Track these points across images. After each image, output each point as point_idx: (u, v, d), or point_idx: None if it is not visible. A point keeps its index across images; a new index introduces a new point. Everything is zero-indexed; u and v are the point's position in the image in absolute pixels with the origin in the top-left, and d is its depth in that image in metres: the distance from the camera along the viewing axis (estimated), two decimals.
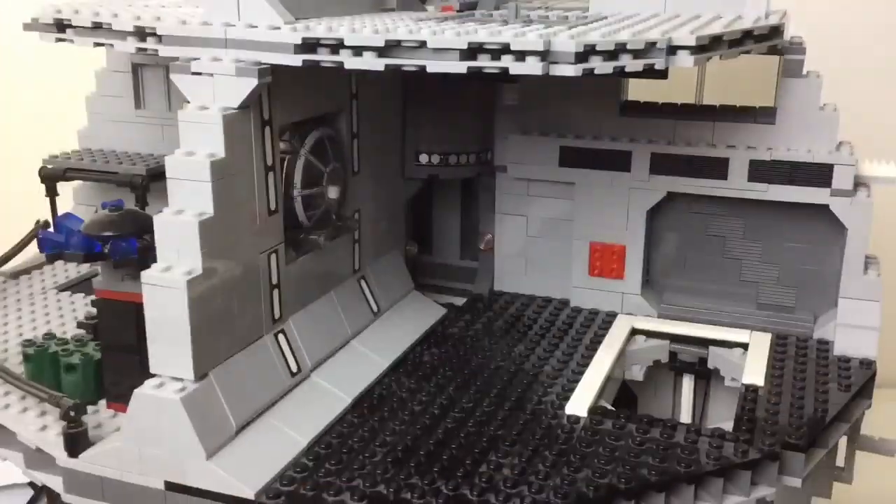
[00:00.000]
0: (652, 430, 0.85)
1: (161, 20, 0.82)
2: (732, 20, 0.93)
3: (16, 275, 1.28)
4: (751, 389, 0.93)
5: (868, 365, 0.99)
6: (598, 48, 0.77)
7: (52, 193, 1.32)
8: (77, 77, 1.34)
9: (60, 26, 0.92)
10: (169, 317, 0.74)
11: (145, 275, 0.75)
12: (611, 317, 1.13)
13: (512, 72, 0.76)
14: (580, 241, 1.14)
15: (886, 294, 1.03)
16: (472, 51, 0.76)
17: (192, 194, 0.75)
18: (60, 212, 1.30)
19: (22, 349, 0.93)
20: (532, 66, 0.76)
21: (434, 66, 0.76)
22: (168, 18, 0.82)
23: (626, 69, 0.80)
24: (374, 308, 1.05)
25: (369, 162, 1.04)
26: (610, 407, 0.93)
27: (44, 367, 0.90)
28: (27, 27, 0.94)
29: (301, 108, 0.88)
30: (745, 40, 0.91)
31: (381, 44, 0.76)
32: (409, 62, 0.76)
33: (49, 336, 0.95)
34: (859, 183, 1.02)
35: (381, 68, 0.76)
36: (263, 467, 0.77)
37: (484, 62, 0.77)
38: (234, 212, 0.79)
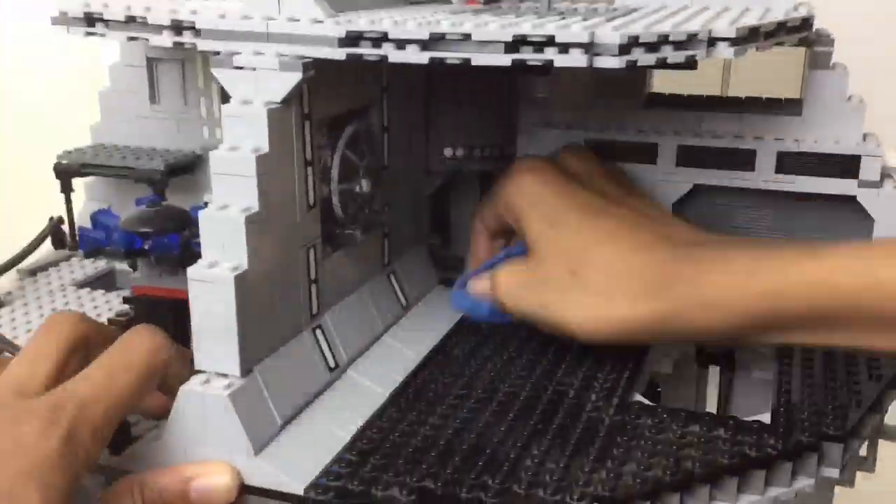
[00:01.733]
0: (691, 425, 0.85)
1: (198, 14, 0.81)
2: (764, 12, 0.93)
3: (33, 272, 1.27)
4: (785, 381, 0.94)
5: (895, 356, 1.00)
6: (640, 40, 0.77)
7: (67, 189, 1.30)
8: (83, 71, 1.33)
9: (90, 20, 0.91)
10: (215, 312, 0.74)
11: (192, 270, 0.74)
12: None
13: (556, 64, 0.76)
14: None
15: None
16: (516, 43, 0.76)
17: (237, 189, 0.75)
18: (76, 208, 1.30)
19: None
20: (576, 59, 0.76)
21: (479, 59, 0.76)
22: (206, 12, 0.81)
23: (669, 60, 0.80)
24: (403, 302, 1.05)
25: (398, 155, 1.04)
26: (647, 402, 0.93)
27: None
28: (55, 21, 0.93)
29: (338, 102, 0.88)
30: (778, 32, 0.91)
31: (426, 36, 0.75)
32: (453, 55, 0.76)
33: None
34: (886, 174, 1.03)
35: (426, 62, 0.76)
36: (309, 463, 0.77)
37: (527, 55, 0.77)
38: (277, 206, 0.78)
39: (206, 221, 0.75)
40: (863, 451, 1.14)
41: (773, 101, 1.07)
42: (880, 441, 1.12)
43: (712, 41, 0.82)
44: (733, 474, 0.79)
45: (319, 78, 0.82)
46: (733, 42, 0.82)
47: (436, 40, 0.76)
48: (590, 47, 0.76)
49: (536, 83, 1.12)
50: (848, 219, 1.05)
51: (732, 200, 1.10)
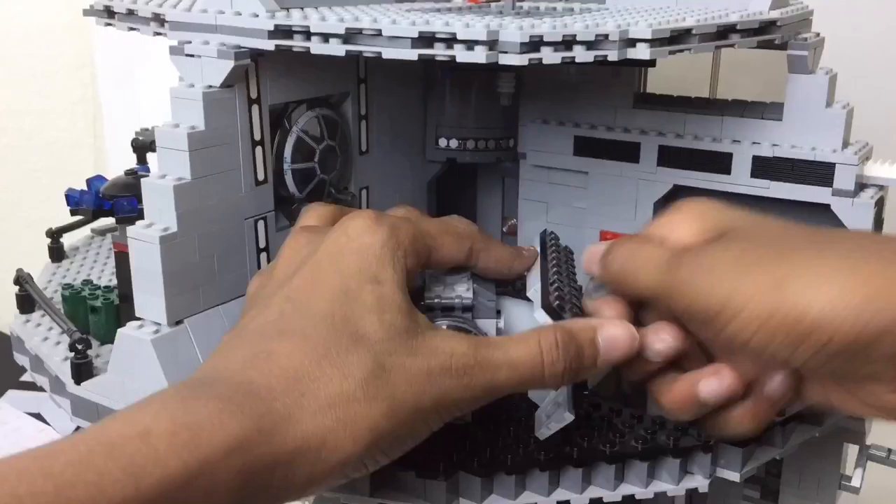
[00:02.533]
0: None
1: (173, 8, 0.93)
2: (725, 14, 0.93)
3: (103, 232, 1.45)
4: None
5: None
6: (546, 39, 0.81)
7: (142, 162, 1.48)
8: None
9: (109, 12, 1.05)
10: (147, 267, 0.85)
11: (130, 229, 0.86)
12: None
13: (459, 60, 0.81)
14: (591, 229, 1.17)
15: None
16: (427, 39, 0.82)
17: (174, 161, 0.86)
18: None
19: (61, 291, 1.07)
20: (479, 55, 0.80)
21: (389, 53, 0.82)
22: (178, 6, 0.92)
23: (577, 60, 0.83)
24: None
25: (382, 143, 1.11)
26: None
27: (77, 308, 1.04)
28: (86, 13, 1.08)
29: (295, 89, 0.97)
30: (728, 34, 0.91)
31: (342, 31, 0.83)
32: (367, 49, 0.83)
33: (87, 282, 1.09)
34: (864, 184, 0.99)
35: (343, 54, 0.84)
36: None
37: (438, 50, 0.82)
38: (215, 179, 0.88)
39: (147, 188, 0.86)
40: (846, 471, 1.11)
41: (756, 105, 1.05)
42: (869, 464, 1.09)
43: (632, 42, 0.84)
44: (611, 462, 0.82)
45: (273, 66, 0.92)
46: (652, 43, 0.83)
47: (353, 34, 0.83)
48: (493, 45, 0.81)
49: (503, 79, 1.15)
50: (825, 227, 1.02)
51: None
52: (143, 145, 1.46)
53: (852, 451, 1.09)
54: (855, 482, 1.09)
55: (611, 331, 0.76)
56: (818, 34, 1.03)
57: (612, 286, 0.81)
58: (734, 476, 0.85)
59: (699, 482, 0.84)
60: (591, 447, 0.82)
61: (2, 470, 0.56)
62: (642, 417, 0.87)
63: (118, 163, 1.52)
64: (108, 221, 1.32)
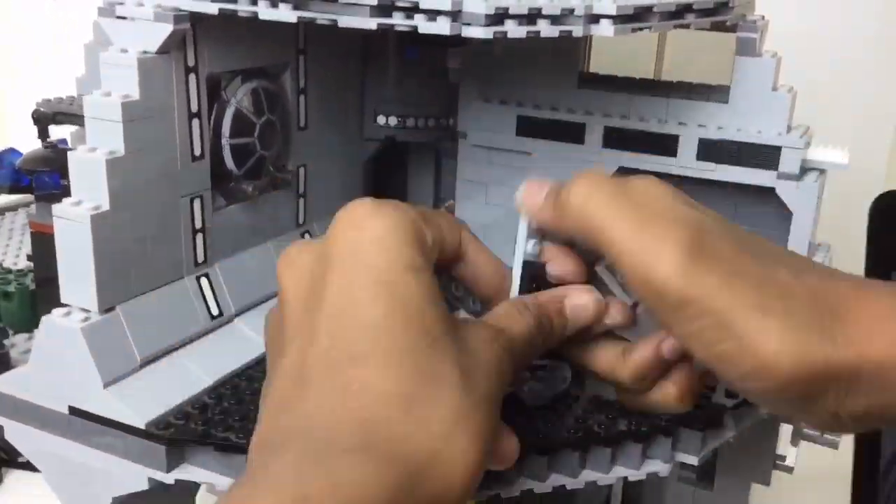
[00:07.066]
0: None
1: None
2: None
3: (2, 211, 1.34)
4: None
5: None
6: (511, 12, 0.78)
7: (43, 136, 1.36)
8: None
9: None
10: (75, 249, 0.78)
11: (56, 208, 0.78)
12: None
13: (421, 30, 0.77)
14: None
15: None
16: (386, 8, 0.77)
17: (105, 134, 0.78)
18: None
19: None
20: (441, 26, 0.76)
21: (345, 21, 0.77)
22: None
23: (542, 34, 0.80)
24: None
25: (320, 119, 1.06)
26: None
27: None
28: None
29: (234, 58, 0.90)
30: (684, 13, 0.90)
31: None
32: (321, 16, 0.78)
33: None
34: (809, 168, 1.00)
35: (294, 20, 0.78)
36: (160, 400, 0.80)
37: (398, 20, 0.78)
38: (150, 154, 0.81)
39: (75, 162, 0.79)
40: (781, 450, 1.13)
41: (702, 87, 1.05)
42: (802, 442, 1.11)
43: (595, 18, 0.81)
44: (574, 449, 0.80)
45: (211, 33, 0.85)
46: (616, 20, 0.81)
47: (307, 0, 0.78)
48: (457, 15, 0.77)
49: (452, 55, 1.12)
50: (770, 210, 1.03)
51: None
52: (44, 117, 1.35)
53: (786, 430, 1.11)
54: (789, 461, 1.11)
55: (577, 301, 0.76)
56: (763, 17, 1.03)
57: (563, 235, 0.77)
58: (693, 460, 0.84)
59: (660, 467, 0.83)
60: (554, 434, 0.80)
61: None
62: (601, 403, 0.85)
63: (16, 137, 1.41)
64: (17, 198, 1.22)
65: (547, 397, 0.83)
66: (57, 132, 1.37)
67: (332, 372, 0.60)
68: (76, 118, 1.32)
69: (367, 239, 0.64)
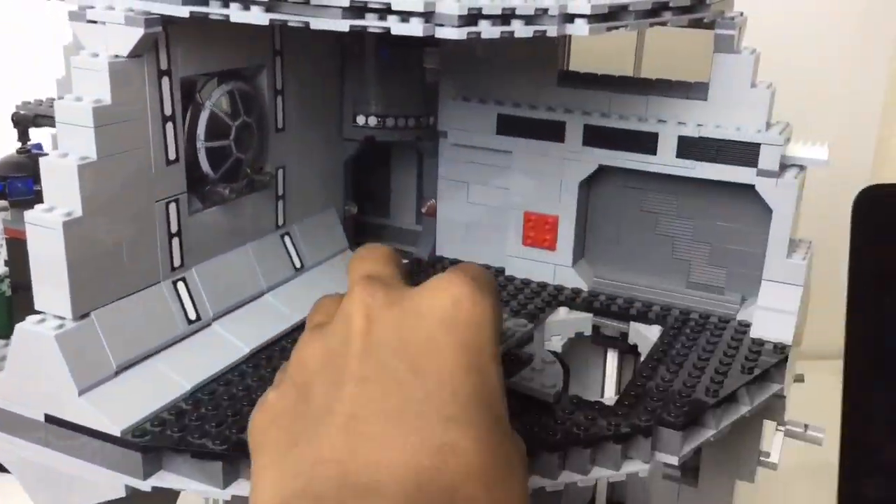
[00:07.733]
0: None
1: None
2: None
3: None
4: (649, 366, 0.93)
5: (781, 349, 0.98)
6: (484, 12, 0.77)
7: (23, 139, 1.36)
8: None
9: None
10: (48, 256, 0.77)
11: (28, 215, 0.77)
12: (541, 287, 1.13)
13: (394, 32, 0.76)
14: (515, 209, 1.14)
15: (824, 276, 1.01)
16: (358, 9, 0.77)
17: (77, 139, 0.78)
18: None
19: None
20: (414, 28, 0.76)
21: (317, 24, 0.77)
22: None
23: (517, 35, 0.80)
24: (298, 264, 1.06)
25: (298, 120, 1.05)
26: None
27: None
28: None
29: (209, 61, 0.89)
30: (660, 11, 0.89)
31: None
32: (293, 18, 0.77)
33: None
34: (788, 164, 1.00)
35: (266, 23, 0.77)
36: (137, 407, 0.80)
37: (371, 21, 0.77)
38: (123, 159, 0.81)
39: (46, 168, 0.78)
40: (765, 447, 1.13)
41: (681, 84, 1.05)
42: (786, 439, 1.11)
43: (570, 17, 0.81)
44: (554, 451, 0.80)
45: (183, 37, 0.84)
46: (591, 19, 0.81)
47: (277, 1, 0.77)
48: (430, 17, 0.76)
49: (429, 56, 1.11)
50: (751, 207, 1.02)
51: (641, 183, 1.08)
52: (24, 120, 1.34)
53: (770, 427, 1.11)
54: (773, 458, 1.11)
55: None
56: (741, 13, 1.03)
57: None
58: (673, 460, 0.84)
59: (639, 467, 0.82)
60: (534, 436, 0.80)
61: None
62: (581, 404, 0.85)
63: None
64: None
65: (549, 394, 0.84)
66: (37, 135, 1.37)
67: (427, 425, 0.62)
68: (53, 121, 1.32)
69: (465, 321, 0.66)
